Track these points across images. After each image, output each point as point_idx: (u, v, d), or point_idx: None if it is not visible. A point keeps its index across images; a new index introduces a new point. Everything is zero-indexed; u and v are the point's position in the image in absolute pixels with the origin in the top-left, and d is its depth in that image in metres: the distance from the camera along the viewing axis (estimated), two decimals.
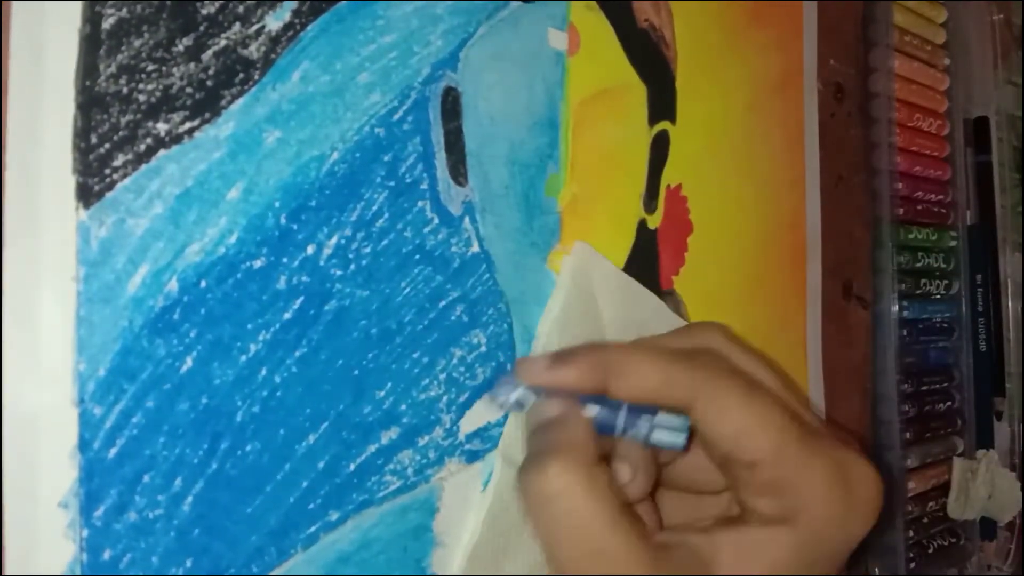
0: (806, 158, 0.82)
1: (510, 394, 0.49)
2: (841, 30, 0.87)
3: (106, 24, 0.40)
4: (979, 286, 1.02)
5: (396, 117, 0.50)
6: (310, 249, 0.47)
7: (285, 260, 0.46)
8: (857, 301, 0.87)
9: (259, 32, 0.45)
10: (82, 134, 0.40)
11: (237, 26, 0.45)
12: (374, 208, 0.49)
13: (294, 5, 0.47)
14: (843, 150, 0.87)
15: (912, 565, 0.91)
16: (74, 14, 0.40)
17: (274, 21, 0.46)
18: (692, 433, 0.49)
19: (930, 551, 0.95)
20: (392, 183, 0.50)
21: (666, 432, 0.48)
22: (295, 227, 0.46)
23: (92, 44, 0.40)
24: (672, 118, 0.68)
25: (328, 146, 0.48)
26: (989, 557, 1.02)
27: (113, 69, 0.41)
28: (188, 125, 0.43)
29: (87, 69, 0.40)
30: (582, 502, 0.44)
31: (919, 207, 0.97)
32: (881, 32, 0.93)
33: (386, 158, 0.50)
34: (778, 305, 0.77)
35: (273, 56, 0.46)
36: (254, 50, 0.45)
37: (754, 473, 0.48)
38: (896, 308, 0.91)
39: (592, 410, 0.48)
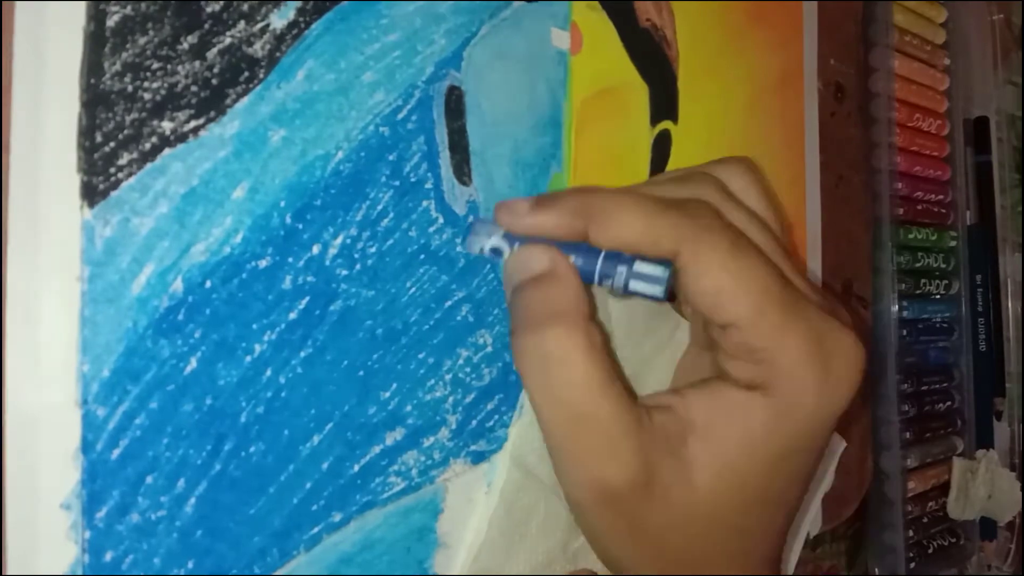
0: (806, 158, 0.82)
1: (486, 241, 0.48)
2: (841, 30, 0.87)
3: (110, 22, 0.40)
4: (979, 286, 1.02)
5: (400, 116, 0.50)
6: (315, 249, 0.47)
7: (290, 260, 0.46)
8: (857, 301, 0.87)
9: (263, 30, 0.45)
10: (87, 132, 0.39)
11: (242, 24, 0.44)
12: (379, 207, 0.49)
13: (298, 3, 0.46)
14: (843, 150, 0.87)
15: (912, 565, 0.92)
16: (78, 12, 0.39)
17: (278, 19, 0.46)
18: (672, 286, 0.48)
19: (930, 551, 0.95)
20: (397, 182, 0.50)
21: (644, 281, 0.47)
22: (300, 227, 0.46)
23: (96, 42, 0.40)
24: (674, 118, 0.68)
25: (333, 145, 0.47)
26: (989, 557, 1.02)
27: (118, 67, 0.40)
28: (193, 124, 0.43)
29: (92, 67, 0.40)
30: (578, 367, 0.44)
31: (919, 207, 0.97)
32: (881, 32, 0.93)
33: (391, 157, 0.50)
34: None
35: (278, 54, 0.46)
36: (259, 48, 0.45)
37: (729, 335, 0.47)
38: (896, 308, 0.91)
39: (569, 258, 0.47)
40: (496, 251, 0.48)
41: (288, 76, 0.46)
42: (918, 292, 0.96)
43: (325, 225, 0.47)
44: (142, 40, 0.41)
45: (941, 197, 1.00)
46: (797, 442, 0.47)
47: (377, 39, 0.49)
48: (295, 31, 0.46)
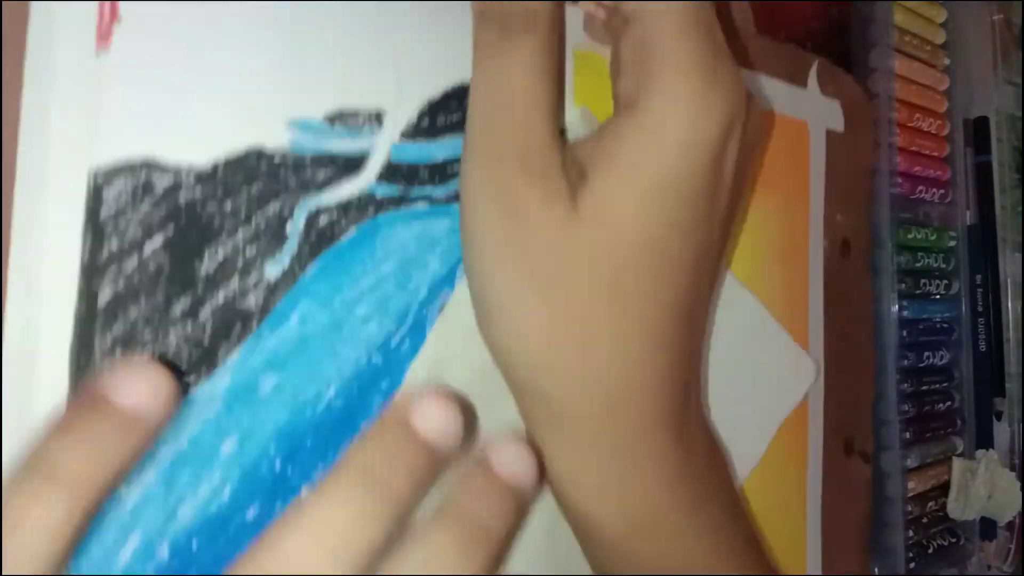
0: (809, 318, 0.81)
1: None
2: (848, 181, 0.86)
3: (101, 301, 0.40)
4: (979, 286, 1.02)
5: (394, 343, 0.50)
6: (304, 491, 0.46)
7: (278, 505, 0.45)
8: (858, 456, 0.87)
9: (258, 282, 0.45)
10: None
11: (235, 279, 0.44)
12: None
13: (294, 249, 0.46)
14: (848, 305, 0.86)
15: (912, 565, 0.93)
16: (70, 293, 0.39)
17: (273, 268, 0.45)
18: None
19: (930, 551, 0.96)
20: None
21: None
22: (290, 470, 0.46)
23: (87, 322, 0.40)
24: None
25: (325, 383, 0.47)
26: (989, 557, 1.03)
27: (108, 344, 0.40)
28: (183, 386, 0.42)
29: (81, 348, 0.40)
30: (541, 82, 0.46)
31: (919, 207, 0.97)
32: (881, 32, 0.93)
33: (384, 385, 0.49)
34: (779, 465, 0.77)
35: (271, 303, 0.45)
36: (252, 301, 0.45)
37: (631, 30, 0.46)
38: (896, 308, 0.92)
39: None
40: None
41: (281, 322, 0.46)
42: (918, 292, 0.96)
43: (315, 464, 0.47)
44: (134, 313, 0.41)
45: (941, 197, 1.00)
46: (667, 173, 0.45)
47: (372, 271, 0.49)
48: (289, 278, 0.46)
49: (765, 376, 0.73)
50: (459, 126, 0.52)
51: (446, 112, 0.52)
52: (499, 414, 0.51)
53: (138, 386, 0.35)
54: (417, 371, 0.50)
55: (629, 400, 0.48)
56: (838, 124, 0.84)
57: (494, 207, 0.46)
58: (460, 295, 0.52)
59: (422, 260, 0.51)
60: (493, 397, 0.52)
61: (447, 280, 0.52)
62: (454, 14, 0.50)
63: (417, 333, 0.51)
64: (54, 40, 0.39)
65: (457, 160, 0.52)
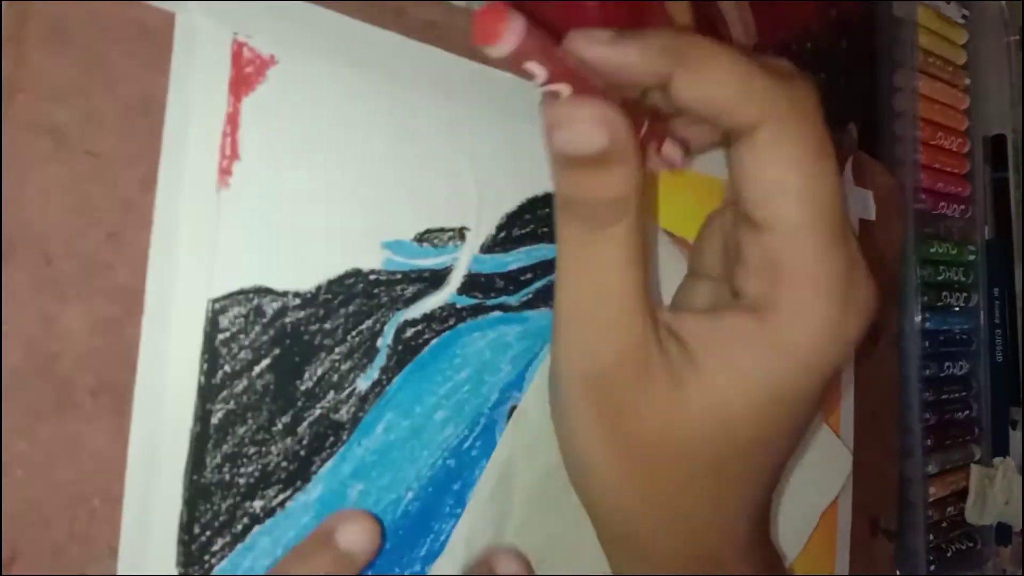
0: (842, 402, 0.82)
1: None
2: (879, 268, 0.82)
3: (214, 420, 0.43)
4: (996, 298, 1.05)
5: (466, 445, 0.52)
6: None
7: None
8: (883, 535, 0.90)
9: (350, 395, 0.47)
10: (187, 527, 0.42)
11: (331, 394, 0.47)
12: (441, 538, 0.51)
13: (383, 362, 0.48)
14: (877, 385, 0.88)
15: (932, 568, 0.95)
16: (186, 414, 0.42)
17: (364, 381, 0.48)
18: None
19: (949, 555, 0.99)
20: (459, 510, 0.52)
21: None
22: (369, 574, 0.47)
23: (201, 441, 0.43)
24: None
25: (404, 487, 0.49)
26: (1004, 562, 1.06)
27: (218, 460, 0.43)
28: (281, 497, 0.45)
29: (195, 464, 0.42)
30: (628, 274, 0.44)
31: (941, 222, 1.01)
32: (907, 53, 0.95)
33: (455, 487, 0.51)
34: (812, 550, 0.77)
35: (361, 414, 0.48)
36: (344, 412, 0.47)
37: (761, 241, 0.44)
38: (919, 319, 0.95)
39: None
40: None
41: (368, 432, 0.48)
42: (939, 304, 0.99)
43: (391, 567, 0.49)
44: (241, 430, 0.44)
45: (962, 212, 1.03)
46: (785, 389, 0.44)
47: (450, 379, 0.51)
48: (378, 389, 0.48)
49: (806, 470, 0.75)
50: (530, 237, 0.55)
51: (520, 224, 0.54)
52: (562, 514, 0.54)
53: (353, 530, 0.45)
54: (488, 472, 0.53)
55: (710, 545, 0.49)
56: (870, 213, 0.87)
57: (594, 404, 0.46)
58: (528, 399, 0.55)
59: (495, 365, 0.53)
60: (556, 497, 0.54)
61: (516, 384, 0.54)
62: (529, 126, 0.52)
63: (488, 436, 0.53)
64: (181, 178, 0.42)
65: (528, 268, 0.55)
